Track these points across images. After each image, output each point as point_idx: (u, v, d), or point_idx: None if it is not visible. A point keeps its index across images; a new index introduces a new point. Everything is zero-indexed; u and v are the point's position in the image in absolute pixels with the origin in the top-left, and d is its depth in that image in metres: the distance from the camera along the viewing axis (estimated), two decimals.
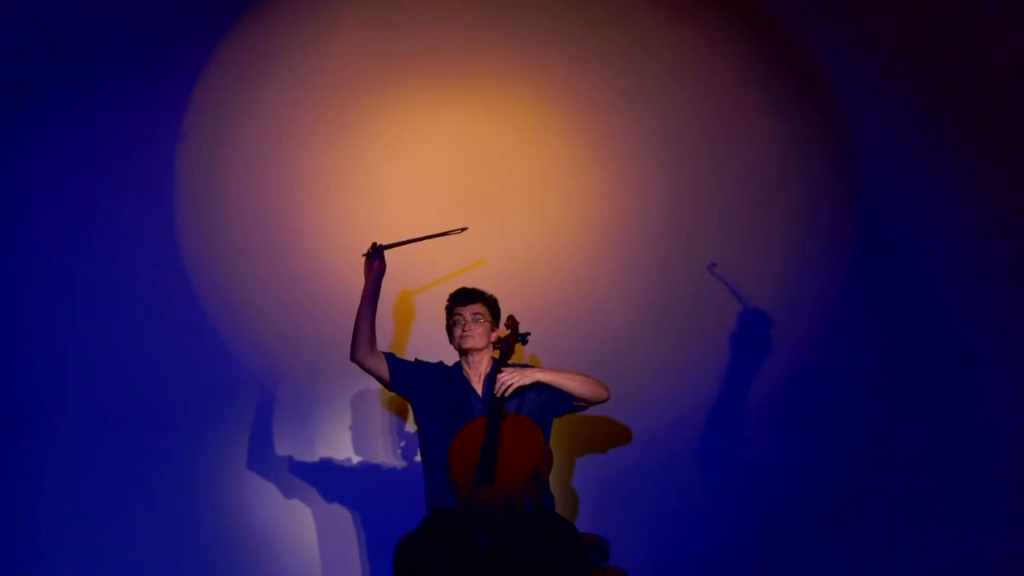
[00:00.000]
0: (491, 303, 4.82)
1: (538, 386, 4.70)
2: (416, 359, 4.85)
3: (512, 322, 4.82)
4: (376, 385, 5.53)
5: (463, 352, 4.79)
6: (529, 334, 4.82)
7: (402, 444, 5.52)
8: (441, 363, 4.86)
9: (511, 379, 4.60)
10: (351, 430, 5.52)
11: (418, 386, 4.78)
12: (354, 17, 5.75)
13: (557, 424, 4.84)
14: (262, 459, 5.50)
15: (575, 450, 5.41)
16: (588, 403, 4.74)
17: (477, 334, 4.75)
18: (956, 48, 5.64)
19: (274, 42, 5.74)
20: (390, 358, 4.79)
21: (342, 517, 5.42)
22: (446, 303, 4.83)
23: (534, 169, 5.69)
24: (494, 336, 4.82)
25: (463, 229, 4.86)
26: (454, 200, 5.67)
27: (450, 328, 4.80)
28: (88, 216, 5.64)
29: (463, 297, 4.79)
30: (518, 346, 4.81)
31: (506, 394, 4.59)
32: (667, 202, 5.65)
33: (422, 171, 5.69)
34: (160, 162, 5.66)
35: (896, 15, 5.66)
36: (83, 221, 5.63)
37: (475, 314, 4.75)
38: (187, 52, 5.71)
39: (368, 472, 5.48)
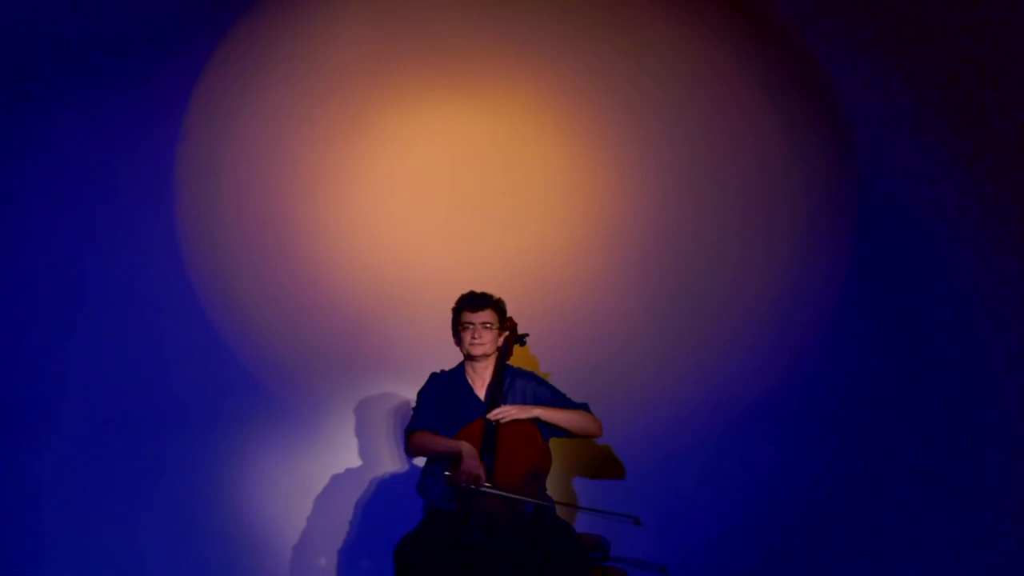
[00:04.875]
0: (500, 309, 4.77)
1: (535, 395, 4.74)
2: (426, 387, 4.79)
3: (510, 324, 4.80)
4: (375, 387, 5.53)
5: (471, 358, 4.77)
6: (527, 335, 4.81)
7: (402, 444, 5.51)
8: (436, 376, 4.82)
9: (509, 413, 4.60)
10: (350, 430, 5.52)
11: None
12: (355, 17, 5.75)
13: None
14: (262, 459, 5.50)
15: (575, 450, 5.40)
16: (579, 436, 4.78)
17: (487, 341, 4.71)
18: (956, 47, 5.63)
19: (274, 42, 5.73)
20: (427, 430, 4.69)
21: (342, 517, 5.42)
22: (454, 306, 4.77)
23: (534, 169, 5.68)
24: (500, 339, 4.79)
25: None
26: (454, 200, 5.67)
27: (458, 333, 4.76)
28: (88, 217, 5.63)
29: (473, 304, 4.73)
30: (516, 346, 4.80)
31: (500, 421, 4.58)
32: (667, 202, 5.65)
33: (422, 171, 5.69)
34: (160, 162, 5.66)
35: (896, 14, 5.66)
36: (83, 221, 5.63)
37: (485, 322, 4.71)
38: (187, 52, 5.70)
39: (368, 472, 5.48)
